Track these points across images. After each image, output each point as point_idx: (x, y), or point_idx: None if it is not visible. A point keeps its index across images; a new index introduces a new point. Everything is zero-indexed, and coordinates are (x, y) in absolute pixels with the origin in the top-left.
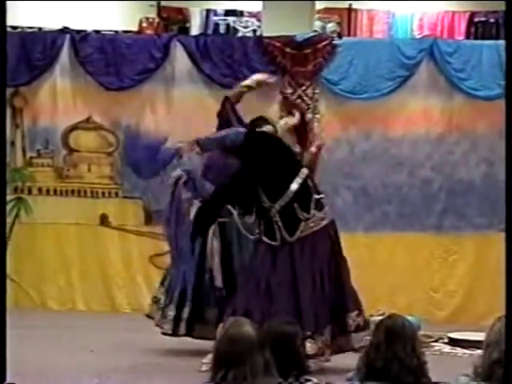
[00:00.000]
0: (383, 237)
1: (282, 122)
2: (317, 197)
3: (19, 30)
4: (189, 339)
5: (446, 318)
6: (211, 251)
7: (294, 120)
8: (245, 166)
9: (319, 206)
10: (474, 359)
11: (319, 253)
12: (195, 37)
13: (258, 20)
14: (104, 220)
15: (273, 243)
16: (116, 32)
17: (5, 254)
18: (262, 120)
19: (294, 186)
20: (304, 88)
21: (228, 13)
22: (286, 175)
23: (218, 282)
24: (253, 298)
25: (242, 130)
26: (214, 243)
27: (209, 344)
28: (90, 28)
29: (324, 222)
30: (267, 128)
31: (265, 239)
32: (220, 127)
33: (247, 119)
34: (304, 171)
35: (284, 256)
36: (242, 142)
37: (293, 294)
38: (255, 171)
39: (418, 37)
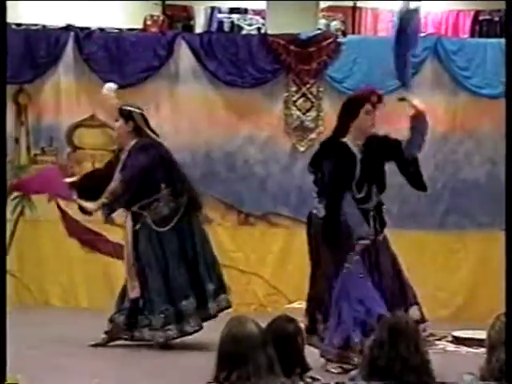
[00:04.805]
0: (387, 235)
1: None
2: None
3: (23, 27)
4: (196, 335)
5: (450, 316)
6: None
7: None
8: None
9: None
10: (481, 364)
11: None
12: (200, 34)
13: (263, 18)
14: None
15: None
16: (120, 30)
17: (5, 253)
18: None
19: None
20: (308, 86)
21: (232, 11)
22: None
23: None
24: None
25: None
26: None
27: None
28: (94, 26)
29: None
30: None
31: None
32: None
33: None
34: None
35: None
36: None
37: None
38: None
39: (422, 35)
